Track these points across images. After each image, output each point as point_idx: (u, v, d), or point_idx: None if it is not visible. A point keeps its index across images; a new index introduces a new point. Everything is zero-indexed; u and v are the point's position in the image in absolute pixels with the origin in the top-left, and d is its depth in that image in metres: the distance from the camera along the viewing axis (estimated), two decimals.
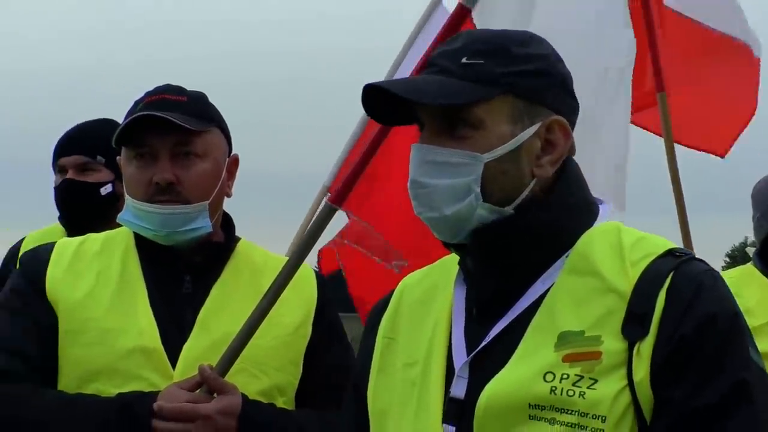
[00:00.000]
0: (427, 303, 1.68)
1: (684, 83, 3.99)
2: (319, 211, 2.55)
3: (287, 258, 2.41)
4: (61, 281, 2.21)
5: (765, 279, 3.25)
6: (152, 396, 2.05)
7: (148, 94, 2.32)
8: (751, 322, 3.17)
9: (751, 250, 3.50)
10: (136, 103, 2.31)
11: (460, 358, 1.54)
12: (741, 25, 4.38)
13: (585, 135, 2.36)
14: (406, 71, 3.66)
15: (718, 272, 1.53)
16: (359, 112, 2.74)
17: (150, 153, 2.23)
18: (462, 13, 2.47)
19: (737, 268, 3.57)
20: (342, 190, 2.53)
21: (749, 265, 3.39)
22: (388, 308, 1.75)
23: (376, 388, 1.67)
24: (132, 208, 2.25)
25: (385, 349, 1.69)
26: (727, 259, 55.34)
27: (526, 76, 1.54)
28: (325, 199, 2.54)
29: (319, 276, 2.40)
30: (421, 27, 3.89)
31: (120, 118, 2.35)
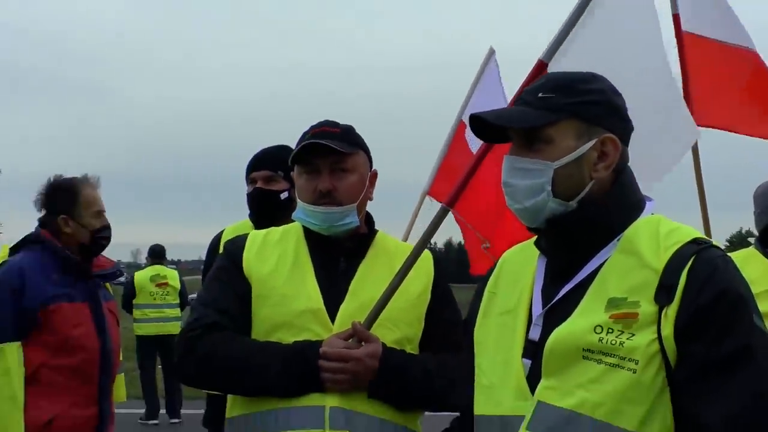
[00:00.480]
0: (519, 270, 1.76)
1: (717, 108, 3.53)
2: (437, 212, 2.56)
3: (412, 246, 2.42)
4: (253, 261, 2.29)
5: (764, 258, 3.27)
6: (318, 343, 2.13)
7: (313, 127, 2.37)
8: (755, 288, 3.17)
9: (752, 240, 3.51)
10: (305, 134, 2.36)
11: (537, 311, 1.65)
12: (742, 32, 3.65)
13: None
14: (477, 105, 3.73)
15: (730, 257, 1.57)
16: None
17: (315, 169, 2.29)
18: (540, 66, 2.46)
19: (742, 250, 3.55)
20: (454, 196, 2.55)
21: (752, 248, 3.40)
22: (493, 272, 1.83)
23: (480, 327, 1.78)
24: (302, 208, 2.32)
25: (489, 300, 1.79)
26: (727, 243, 56.30)
27: (586, 105, 1.62)
28: (442, 204, 2.56)
29: (435, 257, 2.43)
30: (480, 74, 3.89)
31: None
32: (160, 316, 9.82)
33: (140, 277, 9.90)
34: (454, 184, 2.80)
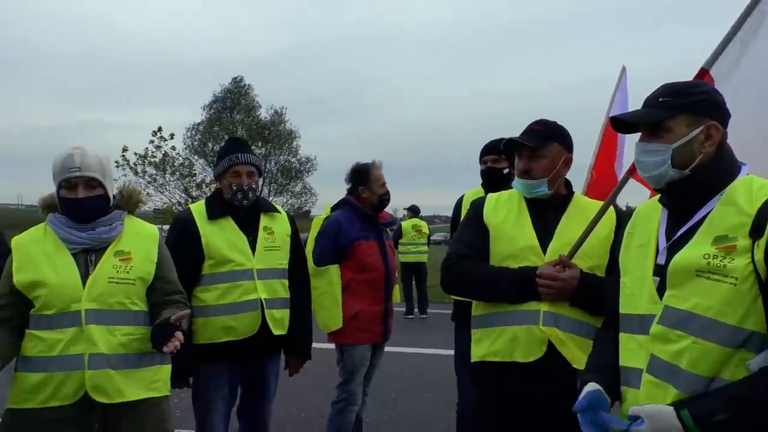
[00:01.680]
0: (648, 218, 1.70)
1: None
2: (620, 180, 2.38)
3: (599, 203, 2.28)
4: (490, 214, 2.25)
5: None
6: (535, 268, 2.09)
7: (528, 125, 2.28)
8: None
9: None
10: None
11: (662, 244, 1.60)
12: None
13: None
14: (615, 109, 3.37)
15: None
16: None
17: (520, 155, 2.23)
18: (702, 72, 2.20)
19: None
20: (631, 169, 2.35)
21: None
22: (631, 219, 1.77)
23: (623, 255, 1.73)
24: (515, 179, 2.27)
25: (628, 238, 1.73)
26: None
27: (695, 103, 1.57)
28: (624, 173, 2.37)
29: (616, 210, 2.26)
30: (617, 86, 3.50)
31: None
32: (416, 250, 10.20)
33: (405, 225, 10.27)
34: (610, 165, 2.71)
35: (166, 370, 2.29)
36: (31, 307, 2.10)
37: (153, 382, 2.21)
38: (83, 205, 2.16)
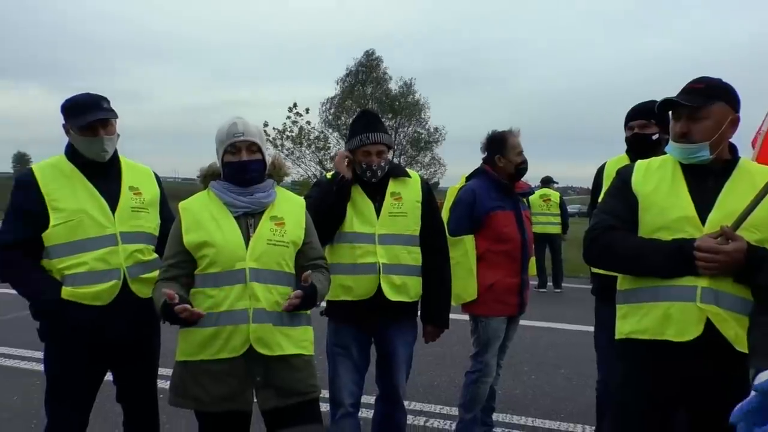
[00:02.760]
0: None
1: None
2: None
3: None
4: (640, 182, 2.12)
5: None
6: (693, 240, 1.94)
7: (688, 83, 2.08)
8: None
9: None
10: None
11: None
12: None
13: None
14: None
15: None
16: None
17: (675, 116, 2.07)
18: None
19: None
20: None
21: None
22: None
23: None
24: (670, 144, 2.09)
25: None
26: None
27: None
28: None
29: None
30: None
31: None
32: (546, 221, 9.93)
33: (533, 196, 9.96)
34: None
35: (311, 331, 2.45)
36: (195, 267, 2.30)
37: (302, 341, 2.37)
38: (247, 167, 2.35)
